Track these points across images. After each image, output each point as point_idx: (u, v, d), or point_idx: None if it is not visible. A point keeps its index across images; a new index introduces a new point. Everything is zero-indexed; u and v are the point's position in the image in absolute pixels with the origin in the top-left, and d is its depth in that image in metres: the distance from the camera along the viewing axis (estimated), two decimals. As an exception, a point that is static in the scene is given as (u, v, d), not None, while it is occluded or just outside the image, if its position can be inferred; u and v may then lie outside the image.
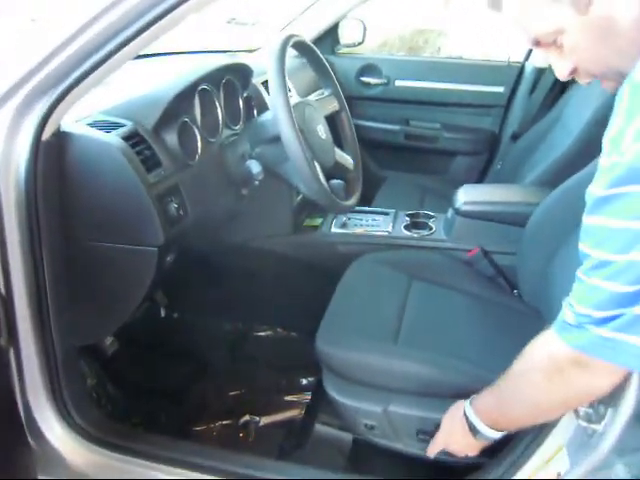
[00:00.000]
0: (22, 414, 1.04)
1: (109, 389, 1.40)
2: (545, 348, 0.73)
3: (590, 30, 0.63)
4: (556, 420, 0.86)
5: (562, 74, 0.69)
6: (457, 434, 0.93)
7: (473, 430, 0.89)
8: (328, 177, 1.22)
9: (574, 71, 0.68)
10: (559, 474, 0.86)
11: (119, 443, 1.14)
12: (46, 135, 0.91)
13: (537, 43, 0.68)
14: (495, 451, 0.98)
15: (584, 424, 0.82)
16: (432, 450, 1.01)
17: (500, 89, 2.36)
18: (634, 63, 0.61)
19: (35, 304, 0.97)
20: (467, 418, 0.90)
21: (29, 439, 1.07)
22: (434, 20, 5.52)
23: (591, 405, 0.81)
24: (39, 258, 0.96)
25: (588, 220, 0.64)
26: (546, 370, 0.73)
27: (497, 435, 0.89)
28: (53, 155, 0.95)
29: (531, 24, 0.66)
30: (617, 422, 0.77)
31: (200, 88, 1.22)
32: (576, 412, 0.82)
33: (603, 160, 0.61)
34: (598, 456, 0.80)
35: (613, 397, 0.76)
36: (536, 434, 0.91)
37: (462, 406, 0.93)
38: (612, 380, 0.69)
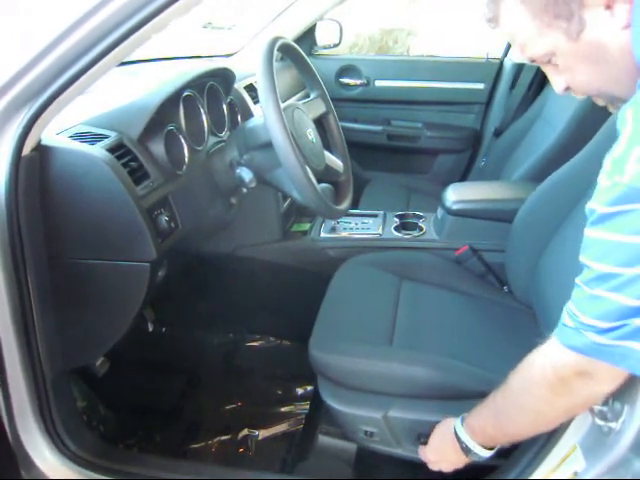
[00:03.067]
0: (11, 442, 1.00)
1: (100, 410, 1.35)
2: (547, 361, 0.73)
3: (581, 56, 0.65)
4: (569, 420, 0.85)
5: (558, 89, 0.72)
6: (448, 454, 0.93)
7: (465, 450, 0.89)
8: (318, 181, 1.20)
9: (568, 88, 0.71)
10: (576, 473, 0.85)
11: (113, 467, 1.11)
12: (26, 150, 0.87)
13: (533, 60, 0.70)
14: (509, 452, 0.96)
15: (600, 422, 0.80)
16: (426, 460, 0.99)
17: (480, 86, 2.38)
18: (627, 89, 0.64)
19: (20, 327, 0.94)
20: (459, 439, 0.90)
21: (19, 468, 1.03)
22: (402, 19, 5.56)
23: (606, 403, 0.80)
24: (23, 279, 0.92)
25: (590, 233, 0.64)
26: (550, 383, 0.72)
27: (489, 453, 0.89)
28: (34, 171, 0.91)
29: (526, 45, 0.69)
30: (635, 419, 0.76)
31: (184, 95, 1.18)
32: (591, 410, 0.81)
33: (604, 180, 0.62)
34: (616, 454, 0.79)
35: (630, 394, 0.75)
36: (550, 434, 0.90)
37: (451, 425, 0.92)
38: (615, 384, 0.70)
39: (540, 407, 0.76)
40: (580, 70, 0.67)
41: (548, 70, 0.71)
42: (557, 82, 0.71)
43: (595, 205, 0.63)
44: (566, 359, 0.69)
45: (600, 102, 0.73)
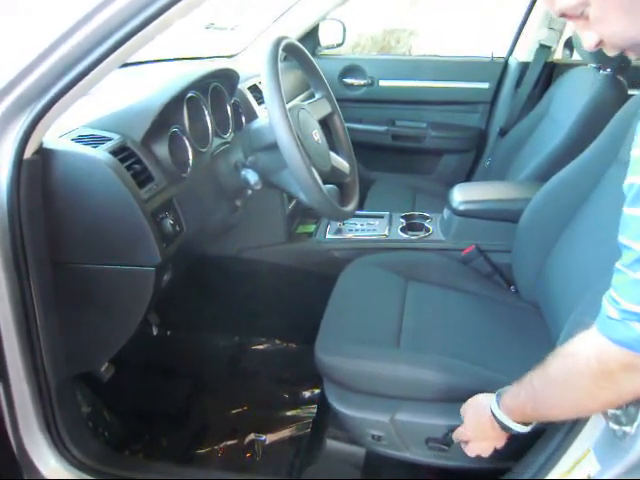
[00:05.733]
0: (15, 450, 0.99)
1: (106, 416, 1.33)
2: (592, 351, 0.69)
3: (614, 3, 0.61)
4: (582, 423, 0.84)
5: (589, 45, 0.67)
6: (487, 432, 0.91)
7: (504, 428, 0.87)
8: (323, 183, 1.19)
9: (600, 42, 0.66)
10: (589, 476, 0.84)
11: (119, 474, 1.11)
12: (28, 153, 0.86)
13: (563, 15, 0.66)
14: (520, 455, 0.95)
15: (614, 426, 0.79)
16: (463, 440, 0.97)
17: (485, 85, 2.36)
18: None
19: (24, 333, 0.93)
20: (496, 417, 0.87)
21: (23, 476, 1.02)
22: (404, 20, 5.55)
23: (619, 407, 0.78)
24: (26, 284, 0.91)
25: (629, 211, 0.61)
26: (594, 375, 0.69)
27: (528, 428, 0.87)
28: (37, 174, 0.90)
29: None
30: (650, 424, 0.74)
31: (188, 96, 1.17)
32: (605, 414, 0.79)
33: (638, 150, 0.59)
34: (630, 459, 0.78)
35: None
36: (562, 438, 0.88)
37: (485, 404, 0.90)
38: None
39: (582, 398, 0.74)
40: (614, 19, 0.62)
41: (578, 25, 0.66)
42: (588, 38, 0.66)
43: (633, 178, 0.59)
44: (612, 352, 0.66)
45: (633, 55, 0.68)
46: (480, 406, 0.92)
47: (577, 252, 1.16)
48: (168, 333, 1.75)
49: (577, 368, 0.72)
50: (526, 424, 0.86)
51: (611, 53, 0.68)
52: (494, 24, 3.29)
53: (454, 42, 4.31)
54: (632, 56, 0.68)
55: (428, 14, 5.41)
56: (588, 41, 0.66)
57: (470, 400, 0.95)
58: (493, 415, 0.88)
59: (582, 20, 0.65)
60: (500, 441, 0.92)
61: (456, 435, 0.98)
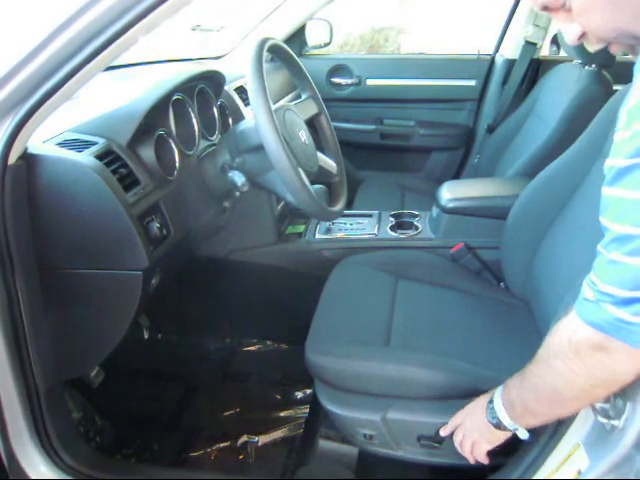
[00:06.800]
0: (4, 457, 0.99)
1: (97, 421, 1.33)
2: (564, 332, 0.70)
3: None
4: (572, 418, 0.84)
5: (571, 39, 0.66)
6: (482, 429, 0.89)
7: (501, 427, 0.86)
8: (311, 183, 1.19)
9: (583, 35, 0.65)
10: (579, 472, 0.84)
11: (110, 478, 1.10)
12: (12, 159, 0.85)
13: (545, 8, 0.65)
14: (512, 451, 0.96)
15: (603, 420, 0.79)
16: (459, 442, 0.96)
17: (472, 82, 2.37)
18: None
19: (11, 340, 0.92)
20: (492, 412, 0.87)
21: None
22: (392, 18, 5.56)
23: (607, 400, 0.79)
24: (13, 290, 0.91)
25: (608, 192, 0.60)
26: (565, 355, 0.69)
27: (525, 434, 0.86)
28: (22, 180, 0.89)
29: None
30: (638, 416, 0.75)
31: (174, 98, 1.16)
32: (593, 408, 0.80)
33: (620, 133, 0.59)
34: (619, 452, 0.78)
35: (632, 390, 0.74)
36: (552, 433, 0.89)
37: (482, 403, 0.90)
38: (635, 366, 0.66)
39: (557, 382, 0.73)
40: (597, 10, 0.60)
41: (560, 17, 0.65)
42: (571, 30, 0.65)
43: (613, 161, 0.59)
44: (583, 332, 0.66)
45: (618, 49, 0.66)
46: (475, 405, 0.92)
47: (565, 247, 1.17)
48: (159, 336, 1.75)
49: (551, 349, 0.72)
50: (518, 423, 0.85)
51: (593, 47, 0.67)
52: (481, 21, 3.30)
53: (442, 39, 4.32)
54: (615, 50, 0.67)
55: (416, 12, 5.42)
56: (571, 34, 0.65)
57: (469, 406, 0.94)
58: (491, 408, 0.87)
59: (564, 12, 0.64)
60: (498, 441, 0.90)
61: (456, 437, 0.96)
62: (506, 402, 0.85)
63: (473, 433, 0.92)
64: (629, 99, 0.58)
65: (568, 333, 0.69)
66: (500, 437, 0.89)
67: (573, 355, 0.68)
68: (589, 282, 0.65)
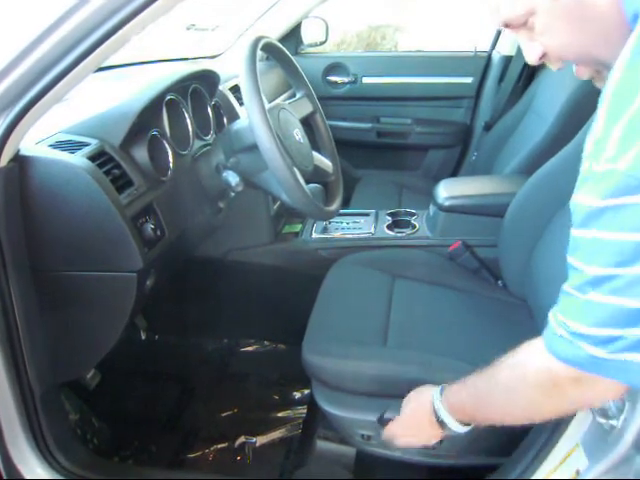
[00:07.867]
0: (0, 461, 0.97)
1: (94, 423, 1.32)
2: (541, 363, 0.66)
3: (562, 13, 0.58)
4: (570, 418, 0.84)
5: (532, 58, 0.64)
6: (423, 427, 0.88)
7: (441, 423, 0.85)
8: (307, 182, 1.18)
9: (544, 55, 0.64)
10: (578, 472, 0.84)
11: None
12: (4, 161, 0.84)
13: (507, 25, 0.63)
14: (510, 451, 0.95)
15: (601, 420, 0.79)
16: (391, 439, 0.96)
17: (469, 80, 2.36)
18: (614, 51, 0.55)
19: (6, 343, 0.91)
20: (436, 412, 0.86)
21: None
22: (389, 15, 5.55)
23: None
24: (6, 293, 0.90)
25: (579, 233, 0.57)
26: (543, 387, 0.66)
27: (466, 429, 0.85)
28: (14, 182, 0.88)
29: (501, 4, 0.61)
30: (637, 416, 0.74)
31: (167, 99, 1.15)
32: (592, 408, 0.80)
33: (588, 165, 0.55)
34: (618, 452, 0.78)
35: (631, 391, 0.73)
36: (550, 433, 0.88)
37: (425, 397, 0.88)
38: (617, 393, 0.65)
39: (529, 407, 0.72)
40: (560, 30, 0.59)
41: (522, 35, 0.63)
42: (532, 49, 0.63)
43: (583, 198, 0.55)
44: (561, 369, 0.63)
45: (584, 75, 0.65)
46: (423, 397, 0.90)
47: (562, 245, 1.16)
48: (156, 337, 1.74)
49: (526, 379, 0.69)
50: (464, 424, 0.84)
51: (555, 66, 0.65)
52: (478, 18, 3.29)
53: (440, 37, 4.32)
54: (582, 73, 0.65)
55: (413, 9, 5.41)
56: (532, 53, 0.64)
57: (414, 391, 0.93)
58: (433, 407, 0.86)
59: (526, 31, 0.62)
60: (432, 440, 0.90)
61: (387, 431, 0.96)
62: (454, 408, 0.84)
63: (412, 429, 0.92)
64: (594, 129, 0.55)
65: (545, 366, 0.65)
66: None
67: (552, 387, 0.66)
68: (559, 322, 0.61)
